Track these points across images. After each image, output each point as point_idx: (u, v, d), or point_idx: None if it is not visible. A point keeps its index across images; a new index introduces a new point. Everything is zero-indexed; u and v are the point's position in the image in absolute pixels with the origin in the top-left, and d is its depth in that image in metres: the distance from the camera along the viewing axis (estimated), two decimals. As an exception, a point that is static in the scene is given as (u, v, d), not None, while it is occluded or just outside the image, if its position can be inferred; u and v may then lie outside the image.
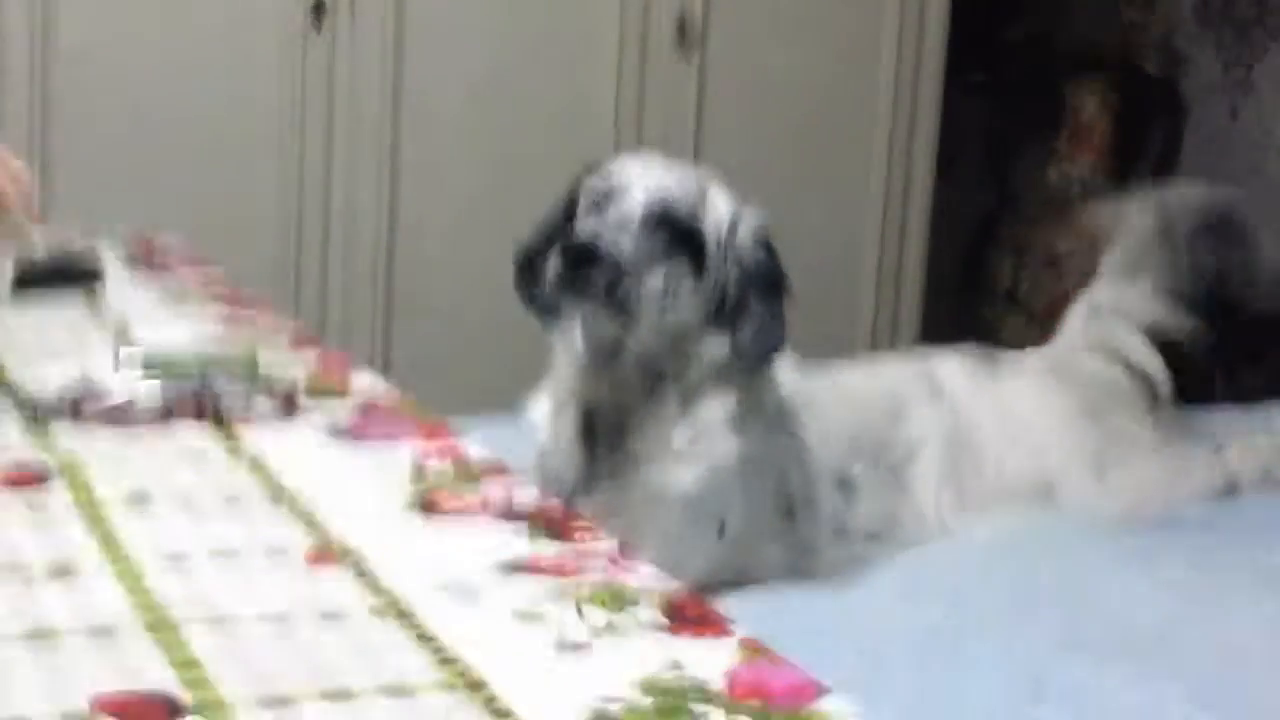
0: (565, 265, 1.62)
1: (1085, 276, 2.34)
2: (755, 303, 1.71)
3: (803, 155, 3.49)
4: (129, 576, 0.88)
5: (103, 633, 0.81)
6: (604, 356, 1.69)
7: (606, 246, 1.62)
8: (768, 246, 1.74)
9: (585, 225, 1.67)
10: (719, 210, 1.72)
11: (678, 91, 3.36)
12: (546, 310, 1.71)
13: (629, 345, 1.68)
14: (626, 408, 1.71)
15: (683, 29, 3.34)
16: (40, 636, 0.79)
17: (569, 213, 1.75)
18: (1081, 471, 2.02)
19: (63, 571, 0.88)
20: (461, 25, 3.18)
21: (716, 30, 3.36)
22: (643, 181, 1.69)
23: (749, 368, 1.74)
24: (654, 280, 1.64)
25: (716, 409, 1.71)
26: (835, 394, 1.91)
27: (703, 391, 1.71)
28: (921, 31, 3.54)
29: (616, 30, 3.28)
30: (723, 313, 1.71)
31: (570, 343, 1.69)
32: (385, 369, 3.15)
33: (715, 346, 1.71)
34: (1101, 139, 4.16)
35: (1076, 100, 4.15)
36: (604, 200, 1.69)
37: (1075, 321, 2.27)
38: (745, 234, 1.73)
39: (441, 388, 3.00)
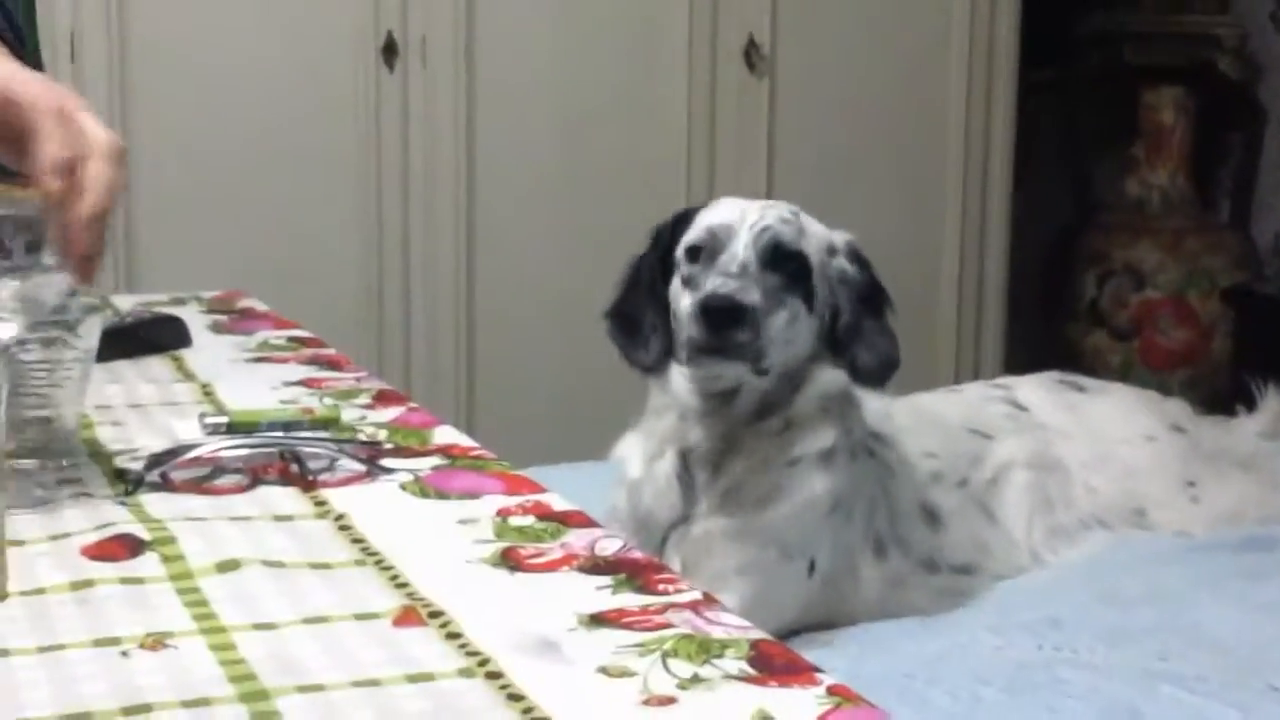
0: (708, 327, 1.60)
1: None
2: (866, 322, 1.71)
3: (877, 169, 3.49)
4: (221, 646, 0.89)
5: (198, 704, 0.82)
6: (718, 403, 1.69)
7: (744, 300, 1.61)
8: (864, 263, 1.74)
9: (709, 281, 1.64)
10: (816, 237, 1.72)
11: (749, 112, 3.37)
12: (652, 366, 1.71)
13: (749, 390, 1.67)
14: (727, 447, 1.71)
15: (752, 47, 3.35)
16: (136, 711, 0.81)
17: (662, 270, 1.74)
18: (1172, 492, 2.00)
19: (156, 644, 0.89)
20: (531, 59, 3.21)
21: (785, 47, 3.37)
22: (745, 223, 1.68)
23: (871, 387, 1.74)
24: (779, 321, 1.64)
25: (812, 444, 1.71)
26: (919, 421, 1.91)
27: (803, 423, 1.70)
28: (992, 35, 3.52)
29: (686, 53, 3.29)
30: (834, 339, 1.71)
31: (677, 393, 1.69)
32: (469, 417, 3.18)
33: (828, 377, 1.71)
34: (1180, 147, 4.12)
35: (1152, 107, 4.11)
36: (710, 249, 1.68)
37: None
38: (843, 255, 1.73)
39: (523, 433, 3.03)
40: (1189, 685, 1.50)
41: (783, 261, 1.66)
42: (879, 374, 1.73)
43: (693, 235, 1.70)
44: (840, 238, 1.75)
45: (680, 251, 1.71)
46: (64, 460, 1.19)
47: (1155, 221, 4.11)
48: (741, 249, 1.65)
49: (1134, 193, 4.17)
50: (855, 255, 1.74)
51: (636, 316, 1.73)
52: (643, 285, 1.75)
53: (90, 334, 1.21)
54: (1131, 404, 2.11)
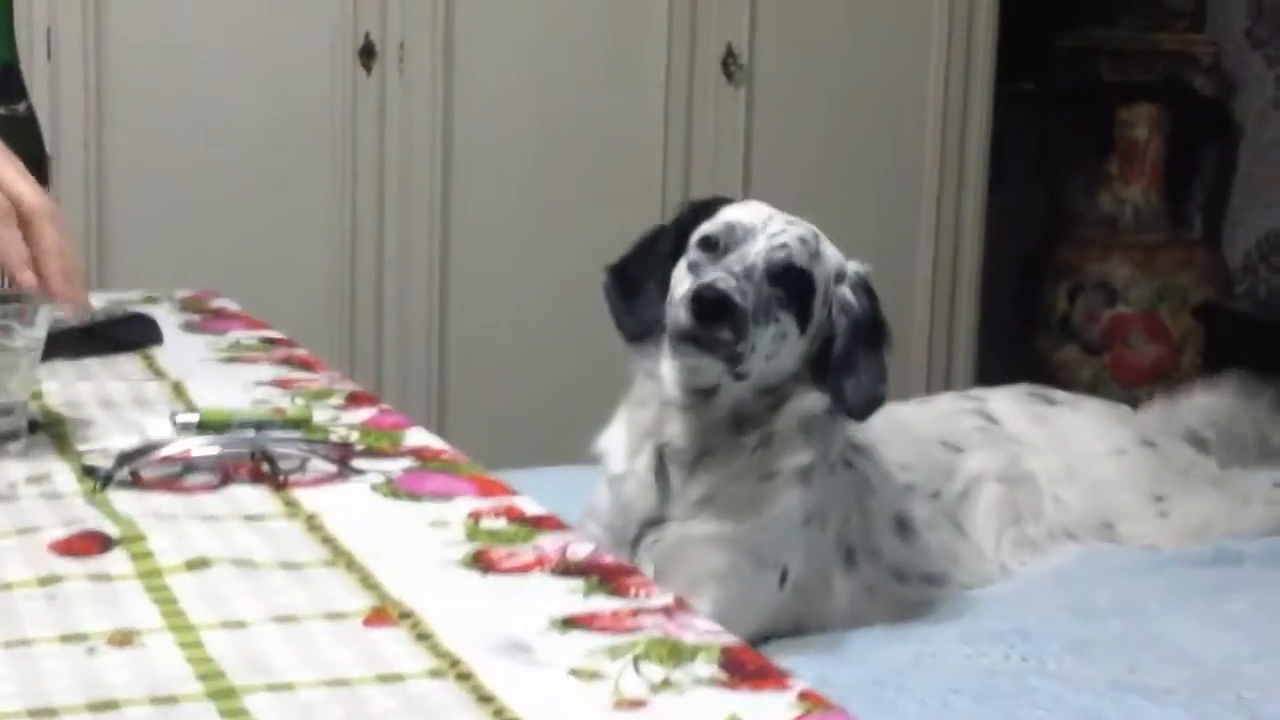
0: (696, 315, 1.60)
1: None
2: (861, 354, 1.70)
3: (852, 179, 3.49)
4: (190, 644, 0.89)
5: (165, 701, 0.81)
6: (696, 399, 1.69)
7: (735, 298, 1.60)
8: (872, 295, 1.73)
9: (710, 272, 1.64)
10: (828, 261, 1.71)
11: (726, 121, 3.37)
12: (642, 345, 1.71)
13: (726, 393, 1.67)
14: (704, 451, 1.71)
15: (730, 57, 3.35)
16: (102, 708, 0.80)
17: (675, 248, 1.74)
18: (1141, 506, 2.01)
19: (124, 641, 0.89)
20: (509, 64, 3.21)
21: (763, 56, 3.37)
22: (765, 230, 1.68)
23: (852, 420, 1.73)
24: (767, 333, 1.64)
25: (790, 461, 1.70)
26: (891, 432, 1.91)
27: (782, 441, 1.70)
28: (970, 48, 3.53)
29: (664, 62, 3.30)
30: (823, 364, 1.70)
31: (661, 382, 1.69)
32: (440, 418, 3.17)
33: (811, 400, 1.70)
34: (1154, 162, 4.14)
35: (1127, 122, 4.13)
36: (725, 245, 1.67)
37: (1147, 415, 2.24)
38: (849, 284, 1.72)
39: (495, 436, 3.03)
40: (1156, 697, 1.51)
41: (788, 278, 1.66)
42: (862, 409, 1.73)
43: (711, 225, 1.70)
44: (853, 267, 1.75)
45: (695, 237, 1.71)
46: (15, 445, 1.22)
47: (1128, 237, 4.13)
48: (753, 253, 1.65)
49: (1107, 208, 4.19)
50: (863, 286, 1.74)
51: (638, 283, 1.73)
52: (654, 255, 1.75)
53: (40, 324, 1.23)
54: (1102, 418, 2.12)
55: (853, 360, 1.70)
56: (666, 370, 1.68)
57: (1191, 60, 4.16)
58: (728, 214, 1.71)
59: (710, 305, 1.58)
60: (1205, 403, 2.22)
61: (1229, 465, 2.15)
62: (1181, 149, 4.21)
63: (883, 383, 1.72)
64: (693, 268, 1.69)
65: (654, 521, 1.72)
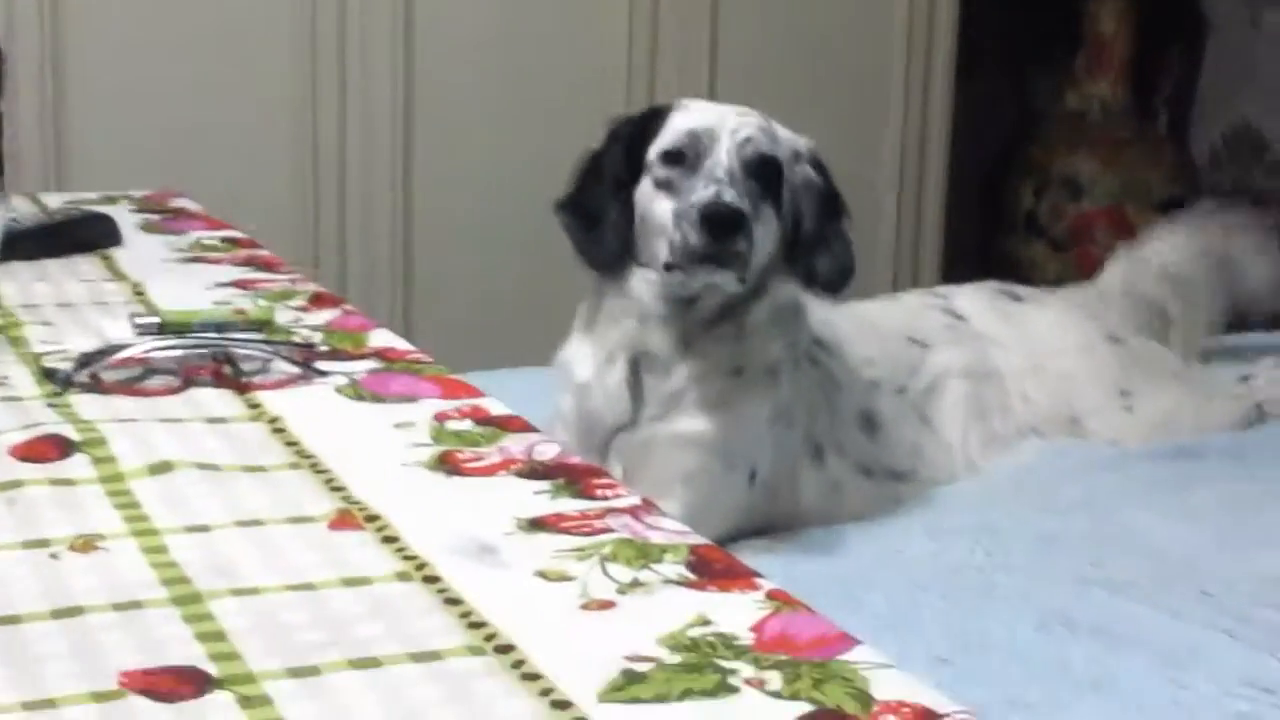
0: (710, 234, 1.57)
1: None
2: (828, 230, 1.70)
3: (818, 75, 3.46)
4: (153, 549, 0.88)
5: (129, 607, 0.81)
6: (680, 306, 1.67)
7: (744, 209, 1.58)
8: (825, 170, 1.73)
9: (699, 187, 1.60)
10: (785, 143, 1.70)
11: (692, 14, 3.33)
12: (610, 264, 1.68)
13: (712, 293, 1.66)
14: (678, 352, 1.69)
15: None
16: (66, 614, 0.80)
17: (628, 168, 1.69)
18: (1107, 401, 2.02)
19: (87, 546, 0.88)
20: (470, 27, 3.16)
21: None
22: (725, 128, 1.65)
23: (828, 295, 1.73)
24: (760, 230, 1.62)
25: (760, 357, 1.70)
26: (857, 329, 1.91)
27: (754, 331, 1.69)
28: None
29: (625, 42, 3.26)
30: (791, 245, 1.69)
31: (640, 297, 1.67)
32: (405, 318, 3.15)
33: (785, 287, 1.70)
34: (1121, 59, 4.11)
35: (1094, 17, 4.10)
36: (693, 155, 1.64)
37: (1113, 269, 2.25)
38: (806, 162, 1.71)
39: (460, 338, 3.01)
40: (1121, 590, 1.52)
41: (762, 169, 1.64)
42: (837, 282, 1.72)
43: (670, 139, 1.66)
44: (804, 144, 1.73)
45: (654, 154, 1.67)
46: None
47: (1094, 133, 4.12)
48: (725, 156, 1.62)
49: (1074, 104, 4.17)
50: (817, 162, 1.73)
51: (596, 213, 1.70)
52: (605, 181, 1.71)
53: None
54: (1068, 314, 2.12)
55: (823, 235, 1.70)
56: (644, 288, 1.67)
57: (1160, -48, 4.12)
58: (680, 122, 1.67)
59: (725, 221, 1.56)
60: (1164, 248, 2.24)
61: (1193, 318, 2.18)
62: (1148, 44, 4.19)
63: (851, 253, 1.72)
64: (664, 185, 1.65)
65: (623, 428, 1.71)
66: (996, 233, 4.21)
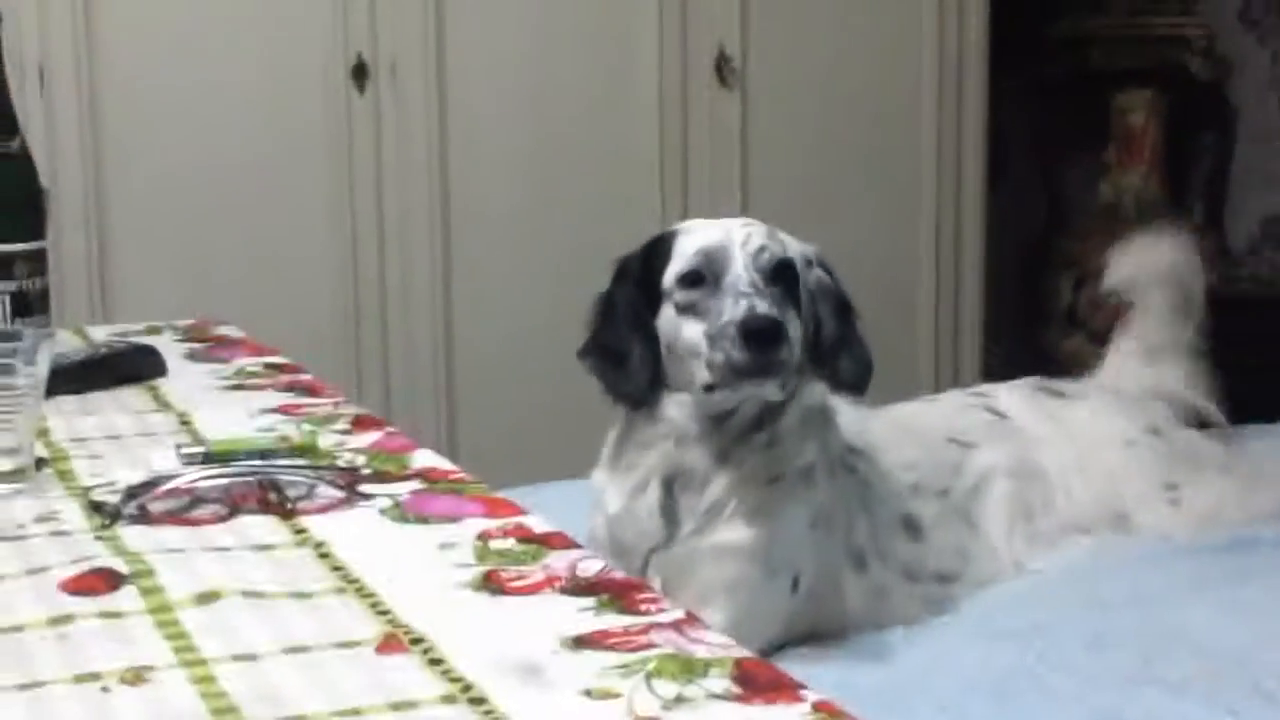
0: (753, 348, 1.57)
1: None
2: (846, 331, 1.71)
3: (851, 178, 3.49)
4: (202, 679, 0.89)
5: (179, 739, 0.81)
6: (715, 422, 1.67)
7: (782, 318, 1.59)
8: (833, 272, 1.74)
9: (727, 303, 1.60)
10: (794, 247, 1.71)
11: (721, 125, 3.37)
12: (642, 398, 1.69)
13: (753, 404, 1.66)
14: (714, 467, 1.70)
15: (722, 60, 3.36)
16: (118, 748, 0.80)
17: (647, 296, 1.70)
18: (1153, 495, 2.00)
19: (137, 679, 0.89)
20: (501, 76, 3.22)
21: (756, 58, 3.38)
22: (735, 242, 1.66)
23: (853, 395, 1.73)
24: (791, 333, 1.63)
25: (795, 461, 1.70)
26: (896, 432, 1.91)
27: (786, 441, 1.70)
28: (961, 41, 3.54)
29: (656, 68, 3.30)
30: (817, 348, 1.70)
31: (674, 420, 1.68)
32: (451, 434, 3.17)
33: (811, 389, 1.70)
34: (1152, 149, 4.13)
35: (1122, 109, 4.12)
36: (711, 274, 1.65)
37: (1114, 360, 2.25)
38: (817, 266, 1.73)
39: (508, 449, 3.03)
40: (1174, 689, 1.50)
41: (781, 275, 1.66)
42: (861, 382, 1.73)
43: (683, 262, 1.66)
44: (811, 249, 1.75)
45: (670, 281, 1.68)
46: (22, 483, 1.24)
47: (1128, 224, 4.12)
48: (742, 269, 1.63)
49: (1107, 196, 4.18)
50: (824, 265, 1.75)
51: (620, 350, 1.69)
52: (622, 317, 1.71)
53: (43, 361, 1.24)
54: (1108, 407, 2.11)
55: (843, 336, 1.71)
56: (679, 410, 1.67)
57: (1184, 44, 4.15)
58: (688, 245, 1.67)
59: (766, 334, 1.57)
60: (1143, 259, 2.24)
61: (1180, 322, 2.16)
62: (1179, 134, 4.20)
63: (869, 352, 1.72)
64: (688, 309, 1.65)
65: (658, 547, 1.71)
66: (1036, 328, 4.21)
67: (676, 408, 1.67)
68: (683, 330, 1.65)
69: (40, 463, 1.31)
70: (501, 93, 3.22)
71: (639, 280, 1.70)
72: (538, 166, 3.27)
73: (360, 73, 3.10)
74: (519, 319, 3.25)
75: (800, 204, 3.29)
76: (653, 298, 1.68)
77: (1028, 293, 4.24)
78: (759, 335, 1.56)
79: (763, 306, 1.58)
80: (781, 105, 3.42)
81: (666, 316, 1.68)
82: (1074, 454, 2.01)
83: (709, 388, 1.62)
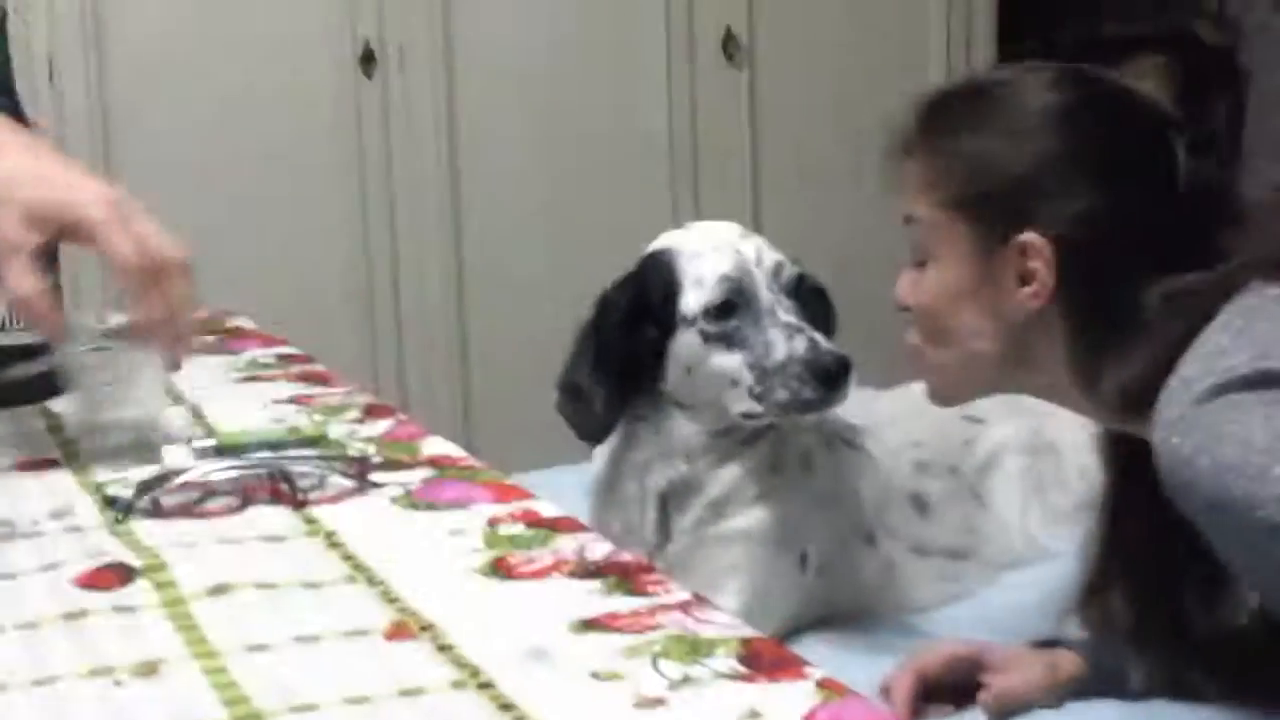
0: (827, 386, 1.57)
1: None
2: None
3: (859, 156, 3.48)
4: (214, 671, 0.90)
5: (191, 730, 0.83)
6: (724, 432, 1.68)
7: (845, 355, 1.58)
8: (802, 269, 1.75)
9: (777, 336, 1.61)
10: (782, 255, 1.71)
11: (729, 105, 3.37)
12: (601, 440, 1.69)
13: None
14: (718, 466, 1.71)
15: (729, 39, 3.36)
16: (131, 740, 0.81)
17: (652, 319, 1.69)
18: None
19: (149, 672, 0.90)
20: (509, 60, 3.22)
21: (763, 37, 3.37)
22: (751, 259, 1.66)
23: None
24: None
25: (794, 449, 1.71)
26: (906, 410, 1.91)
27: (783, 432, 1.71)
28: (970, 9, 3.53)
29: (664, 48, 3.30)
30: None
31: (682, 436, 1.68)
32: (466, 419, 3.18)
33: None
34: (1165, 115, 4.11)
35: (1133, 75, 4.10)
36: (741, 300, 1.64)
37: None
38: (802, 270, 1.73)
39: (524, 432, 3.04)
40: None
41: (797, 289, 1.67)
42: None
43: (710, 293, 1.65)
44: (787, 256, 1.75)
45: (694, 309, 1.66)
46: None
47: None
48: (767, 292, 1.63)
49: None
50: (796, 263, 1.75)
51: (590, 393, 1.68)
52: (597, 360, 1.70)
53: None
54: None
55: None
56: (689, 428, 1.68)
57: (1195, 8, 4.13)
58: (703, 270, 1.65)
59: (834, 368, 1.57)
60: None
61: None
62: (1190, 100, 4.19)
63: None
64: (719, 339, 1.64)
65: (662, 544, 1.73)
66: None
67: (686, 425, 1.68)
68: (712, 359, 1.65)
69: (53, 462, 1.32)
70: (509, 77, 3.23)
71: (630, 308, 1.69)
72: (546, 149, 3.27)
73: (368, 59, 3.11)
74: (531, 300, 3.26)
75: (809, 182, 3.29)
76: (656, 320, 1.67)
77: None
78: (834, 374, 1.56)
79: (825, 343, 1.58)
80: (789, 84, 3.41)
81: (687, 343, 1.67)
82: (1086, 429, 2.00)
83: (747, 416, 1.63)
